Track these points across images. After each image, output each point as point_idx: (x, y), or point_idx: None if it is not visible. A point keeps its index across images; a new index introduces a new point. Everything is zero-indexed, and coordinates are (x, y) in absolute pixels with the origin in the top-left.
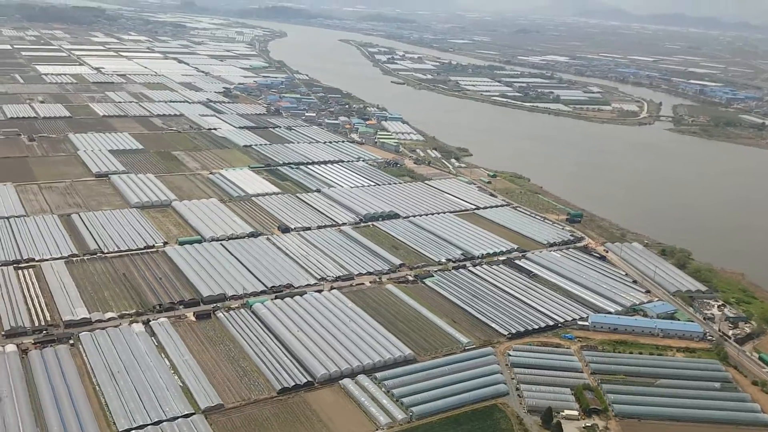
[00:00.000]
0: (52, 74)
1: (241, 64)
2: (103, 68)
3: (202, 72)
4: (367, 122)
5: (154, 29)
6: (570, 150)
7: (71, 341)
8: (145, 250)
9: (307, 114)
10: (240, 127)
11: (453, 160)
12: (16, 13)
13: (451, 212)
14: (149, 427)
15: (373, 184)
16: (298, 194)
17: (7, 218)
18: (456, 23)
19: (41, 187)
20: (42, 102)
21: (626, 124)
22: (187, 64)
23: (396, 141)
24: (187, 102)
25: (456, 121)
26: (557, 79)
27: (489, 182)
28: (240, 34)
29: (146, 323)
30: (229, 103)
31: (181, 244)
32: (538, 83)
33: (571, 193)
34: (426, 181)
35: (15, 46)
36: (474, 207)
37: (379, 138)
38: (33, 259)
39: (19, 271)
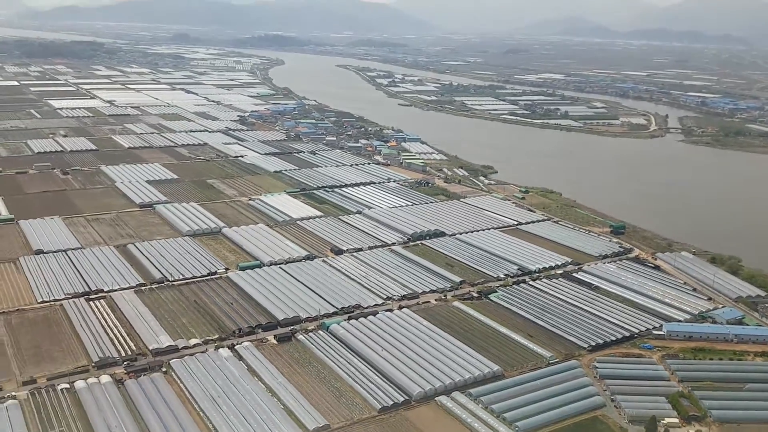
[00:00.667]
0: (67, 108)
1: (248, 92)
2: (115, 101)
3: (213, 101)
4: (389, 144)
5: (154, 61)
6: (592, 164)
7: (164, 369)
8: (208, 277)
9: (327, 138)
10: (265, 154)
11: (482, 178)
12: (15, 49)
13: (494, 228)
14: None
15: (410, 203)
16: (339, 216)
17: (65, 251)
18: (444, 46)
19: (88, 220)
20: (65, 136)
21: (639, 137)
22: (196, 94)
23: (422, 161)
24: (207, 131)
25: (472, 140)
26: (559, 96)
27: (522, 198)
28: (239, 63)
29: (231, 348)
30: (247, 130)
31: (242, 269)
32: (542, 100)
33: (604, 206)
34: (461, 199)
35: (22, 82)
36: (516, 223)
37: (404, 159)
38: (102, 290)
39: (91, 303)
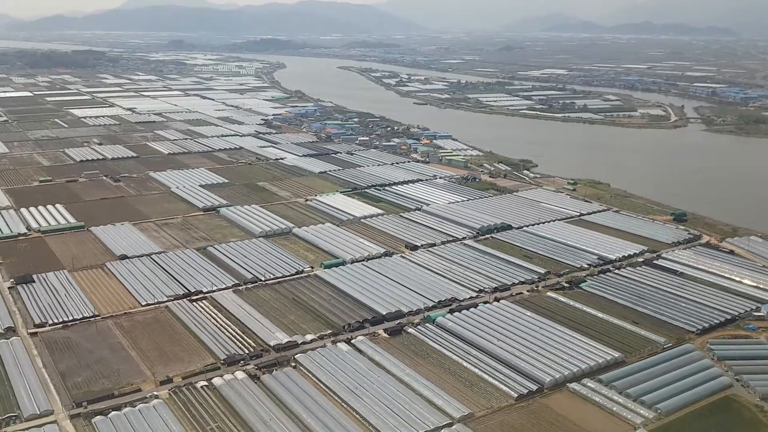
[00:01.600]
0: (91, 117)
1: (262, 95)
2: (135, 108)
3: (232, 106)
4: (423, 142)
5: (158, 68)
6: (627, 155)
7: (292, 363)
8: (297, 276)
9: (360, 138)
10: (303, 156)
11: (525, 172)
12: (16, 60)
13: (558, 220)
14: None
15: (465, 198)
16: (400, 214)
17: (148, 255)
18: (435, 45)
19: (158, 224)
20: (100, 144)
21: (662, 127)
22: (213, 100)
23: (462, 157)
24: (238, 135)
25: (499, 136)
26: (570, 91)
27: (573, 189)
28: (241, 68)
29: (348, 342)
30: (276, 133)
31: (327, 267)
32: (555, 95)
33: (654, 194)
34: (514, 193)
35: (34, 92)
36: (578, 213)
37: (443, 155)
38: (201, 291)
39: (194, 304)
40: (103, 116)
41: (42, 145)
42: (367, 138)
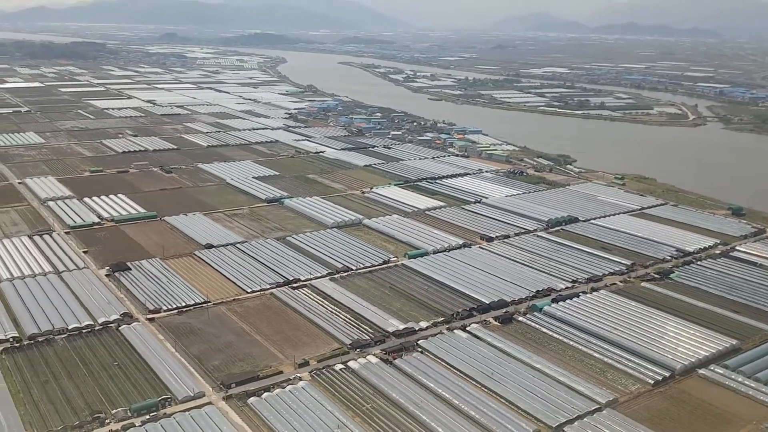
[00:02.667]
0: (113, 109)
1: (275, 89)
2: (155, 100)
3: (250, 99)
4: (457, 137)
5: (161, 61)
6: (660, 151)
7: (419, 349)
8: (385, 265)
9: (392, 132)
10: (341, 149)
11: (569, 166)
12: (15, 51)
13: (621, 213)
14: (576, 422)
15: (520, 192)
16: (462, 206)
17: (233, 244)
18: (424, 42)
19: (227, 215)
20: (135, 135)
21: (682, 125)
22: (228, 93)
23: (502, 152)
24: (268, 129)
25: (527, 132)
26: (579, 89)
27: (623, 184)
28: (243, 62)
29: (463, 329)
30: (304, 127)
31: (411, 257)
32: (567, 93)
33: (701, 189)
34: (566, 187)
35: (45, 84)
36: (638, 207)
37: (482, 150)
38: (299, 279)
39: (297, 291)
40: (126, 108)
41: (76, 136)
42: (399, 132)
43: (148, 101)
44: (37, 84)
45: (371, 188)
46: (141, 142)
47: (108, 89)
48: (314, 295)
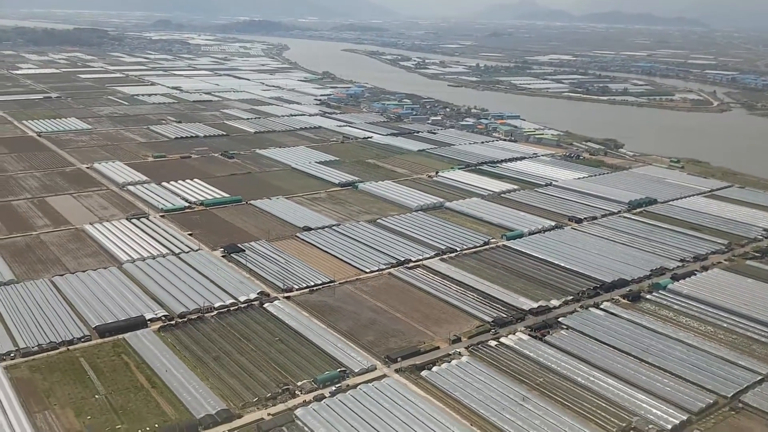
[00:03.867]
0: (143, 95)
1: (292, 76)
2: (180, 87)
3: (273, 86)
4: (499, 122)
5: (166, 48)
6: (701, 135)
7: (563, 326)
8: (486, 246)
9: (433, 118)
10: (387, 134)
11: (621, 150)
12: (17, 37)
13: (694, 195)
14: (748, 392)
15: (586, 175)
16: (535, 189)
17: (329, 227)
18: (415, 30)
19: (307, 199)
20: (178, 122)
21: (709, 111)
22: (248, 80)
23: (550, 136)
24: (306, 115)
25: (559, 117)
26: (592, 75)
27: (682, 167)
28: (246, 49)
29: (596, 307)
30: (340, 113)
31: (509, 239)
32: (584, 80)
33: (757, 172)
34: (628, 170)
35: (62, 70)
36: (707, 189)
37: (530, 134)
38: (410, 260)
39: (413, 271)
40: (155, 94)
41: (119, 122)
42: (439, 118)
43: (174, 87)
44: (52, 70)
45: (437, 172)
46: (188, 129)
47: (128, 76)
48: (431, 275)
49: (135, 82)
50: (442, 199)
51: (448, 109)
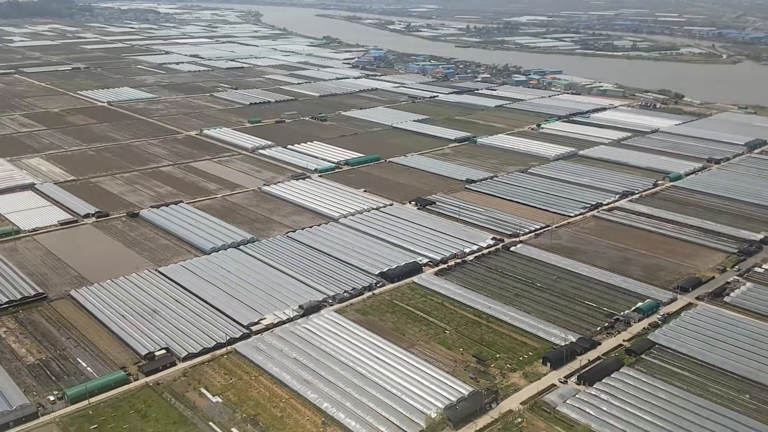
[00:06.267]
0: (171, 63)
1: (296, 42)
2: (198, 54)
3: (290, 52)
4: (550, 77)
5: (142, 17)
6: (739, 84)
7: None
8: (656, 188)
9: (482, 76)
10: (450, 93)
11: (687, 99)
12: None
13: None
14: None
15: (680, 122)
16: (646, 136)
17: (490, 178)
18: None
19: (436, 154)
20: (235, 89)
21: (723, 63)
22: (256, 46)
23: (612, 88)
24: (350, 78)
25: (592, 72)
26: (584, 34)
27: (755, 113)
28: (219, 16)
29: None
30: (381, 75)
31: (671, 180)
32: (584, 38)
33: None
34: (710, 117)
35: (58, 42)
36: None
37: (593, 87)
38: (602, 204)
39: (612, 213)
40: (181, 62)
41: (176, 90)
42: (488, 76)
43: (192, 56)
44: (47, 42)
45: (538, 125)
46: (252, 95)
47: (133, 46)
48: (634, 215)
49: (146, 52)
50: (574, 149)
51: (481, 68)
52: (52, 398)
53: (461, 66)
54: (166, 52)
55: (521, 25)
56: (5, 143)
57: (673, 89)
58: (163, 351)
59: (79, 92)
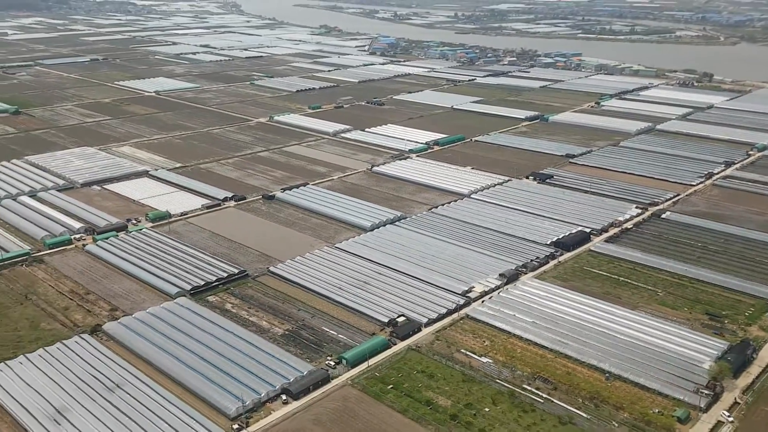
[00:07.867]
0: (187, 54)
1: (295, 32)
2: (209, 44)
3: (298, 40)
4: (575, 59)
5: (122, 9)
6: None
7: None
8: (747, 160)
9: (509, 59)
10: (486, 76)
11: (717, 78)
12: None
13: None
14: None
15: (728, 98)
16: (703, 110)
17: (587, 153)
18: None
19: (515, 133)
20: (271, 77)
21: (722, 44)
22: (259, 36)
23: (642, 67)
24: (376, 65)
25: (608, 54)
26: (575, 19)
27: None
28: (199, 7)
29: None
30: (404, 61)
31: (761, 150)
32: (578, 23)
33: None
34: (750, 92)
35: (53, 35)
36: None
37: (623, 67)
38: (712, 173)
39: (729, 182)
40: (198, 53)
41: (215, 80)
42: (514, 59)
43: (203, 45)
44: (41, 35)
45: (597, 103)
46: (294, 82)
47: (134, 38)
48: (749, 182)
49: (153, 43)
50: (650, 123)
51: (499, 52)
52: (332, 363)
53: (477, 51)
54: (174, 43)
55: (505, 12)
56: (83, 133)
57: (697, 69)
58: (403, 318)
59: (116, 83)
